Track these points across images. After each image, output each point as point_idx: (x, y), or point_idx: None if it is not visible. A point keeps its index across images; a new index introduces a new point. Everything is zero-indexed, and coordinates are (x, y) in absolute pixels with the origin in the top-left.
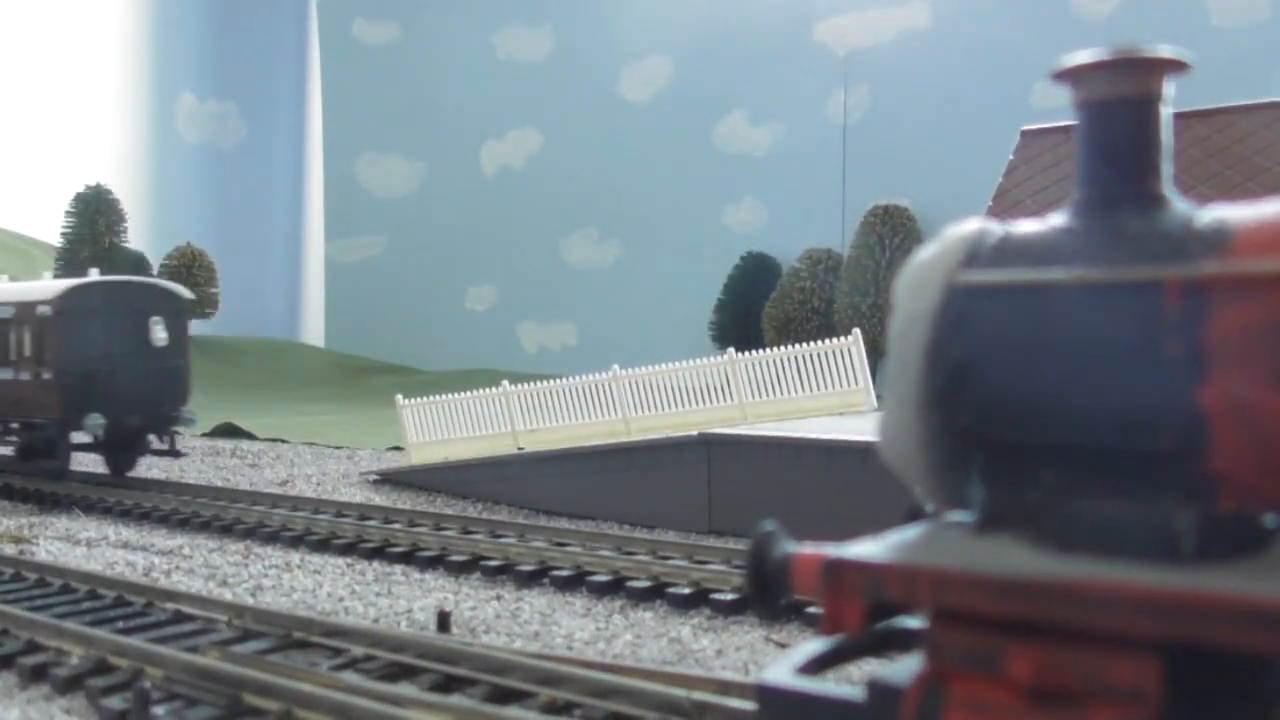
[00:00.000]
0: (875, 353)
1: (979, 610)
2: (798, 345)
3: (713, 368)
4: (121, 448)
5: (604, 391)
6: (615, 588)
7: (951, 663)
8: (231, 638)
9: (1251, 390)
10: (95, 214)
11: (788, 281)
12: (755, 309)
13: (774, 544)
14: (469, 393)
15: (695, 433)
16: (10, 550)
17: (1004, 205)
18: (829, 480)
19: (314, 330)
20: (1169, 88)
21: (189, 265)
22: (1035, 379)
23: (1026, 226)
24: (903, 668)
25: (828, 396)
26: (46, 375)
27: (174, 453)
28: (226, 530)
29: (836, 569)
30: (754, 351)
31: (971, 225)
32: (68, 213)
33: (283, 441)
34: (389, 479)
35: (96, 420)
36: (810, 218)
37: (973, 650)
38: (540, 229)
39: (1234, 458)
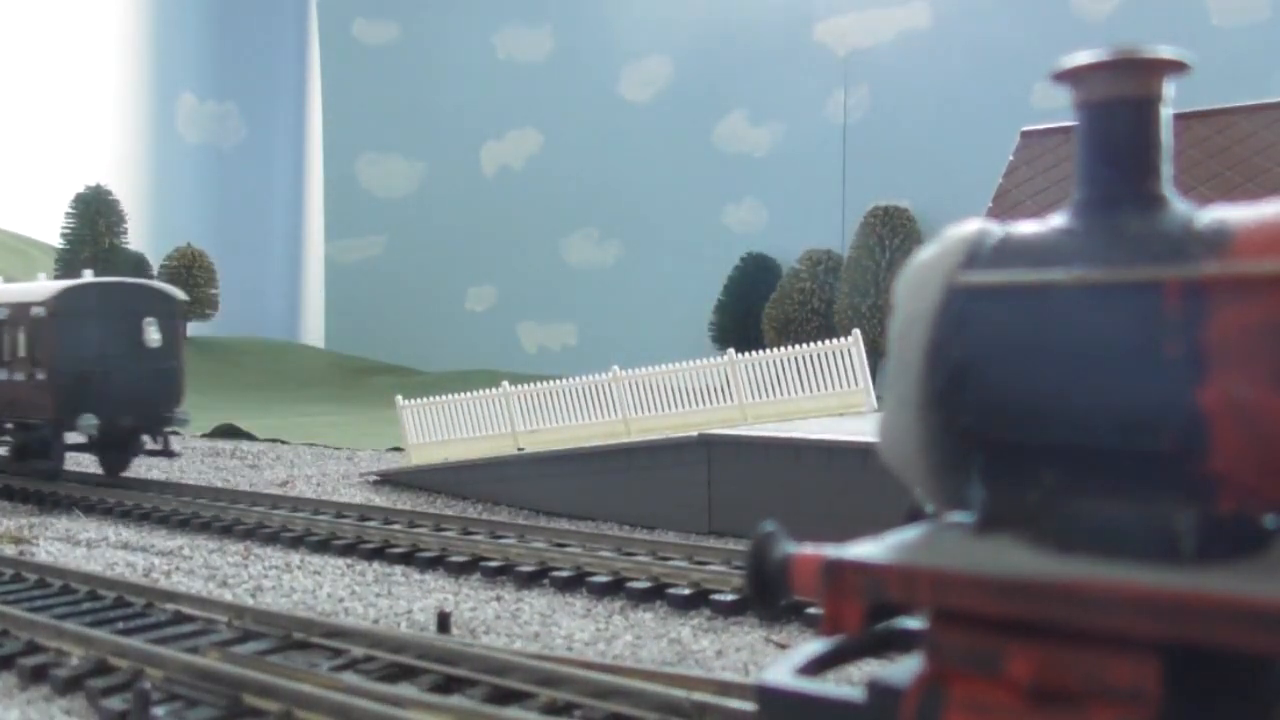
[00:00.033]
0: (875, 353)
1: (979, 611)
2: (798, 346)
3: (713, 368)
4: (115, 448)
5: (604, 392)
6: (615, 588)
7: (951, 663)
8: (231, 638)
9: (1251, 390)
10: (95, 214)
11: (788, 282)
12: (755, 310)
13: (774, 545)
14: (469, 393)
15: (695, 433)
16: (10, 551)
17: (1004, 206)
18: (829, 481)
19: (314, 331)
20: (1169, 88)
21: (189, 266)
22: (1035, 379)
23: (1026, 227)
24: (903, 668)
25: (828, 397)
26: (41, 376)
27: (168, 453)
28: (226, 531)
29: (836, 570)
30: (754, 352)
31: (971, 226)
32: (68, 213)
33: (283, 442)
34: (389, 480)
35: (90, 421)
36: (810, 218)
37: (973, 651)
38: (540, 229)
39: (1234, 458)
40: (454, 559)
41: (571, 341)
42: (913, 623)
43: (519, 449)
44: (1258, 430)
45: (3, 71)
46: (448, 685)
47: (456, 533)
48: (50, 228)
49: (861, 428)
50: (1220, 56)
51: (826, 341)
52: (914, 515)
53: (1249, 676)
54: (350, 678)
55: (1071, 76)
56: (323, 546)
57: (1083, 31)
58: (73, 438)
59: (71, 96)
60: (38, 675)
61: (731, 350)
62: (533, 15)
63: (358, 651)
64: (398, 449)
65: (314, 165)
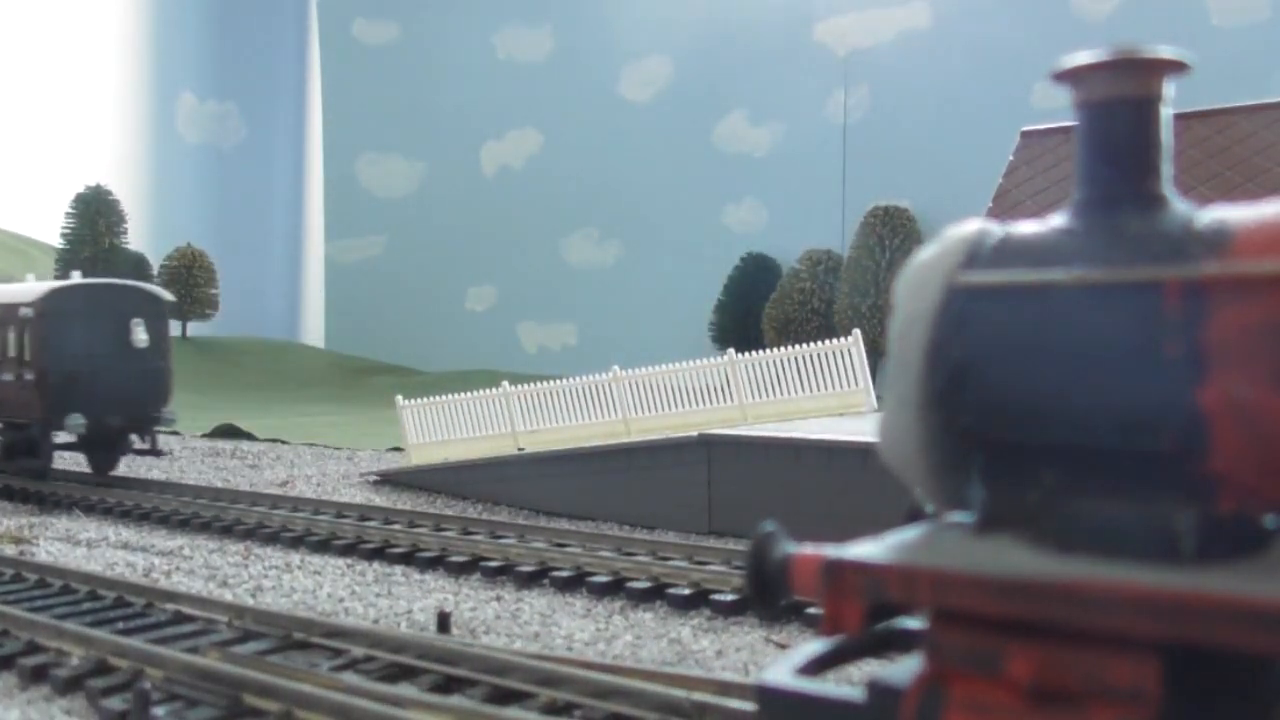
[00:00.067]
0: (875, 353)
1: (979, 611)
2: (798, 346)
3: (713, 368)
4: (104, 447)
5: (604, 392)
6: (615, 588)
7: (951, 663)
8: (232, 638)
9: (1251, 390)
10: (95, 214)
11: (788, 282)
12: (755, 310)
13: (774, 545)
14: (469, 393)
15: (695, 433)
16: (10, 551)
17: (1004, 206)
18: (829, 481)
19: (314, 331)
20: (1169, 88)
21: (189, 266)
22: (1035, 380)
23: (1026, 227)
24: (903, 668)
25: (828, 397)
26: (29, 376)
27: (155, 452)
28: (227, 531)
29: (836, 570)
30: (754, 352)
31: (971, 226)
32: (68, 213)
33: (283, 442)
34: (389, 480)
35: (78, 420)
36: (810, 218)
37: (973, 651)
38: (540, 229)
39: (1234, 458)
40: (454, 559)
41: (571, 341)
42: (913, 623)
43: (519, 449)
44: (1258, 430)
45: (3, 71)
46: (448, 685)
47: (456, 533)
48: (50, 228)
49: (861, 428)
50: (1220, 56)
51: (826, 341)
52: (914, 515)
53: (1249, 676)
54: (350, 678)
55: (1071, 76)
56: (323, 546)
57: (1083, 31)
58: (62, 437)
59: (71, 96)
60: (38, 675)
61: (731, 350)
62: (533, 15)
63: (358, 651)
64: (398, 449)
65: (314, 165)
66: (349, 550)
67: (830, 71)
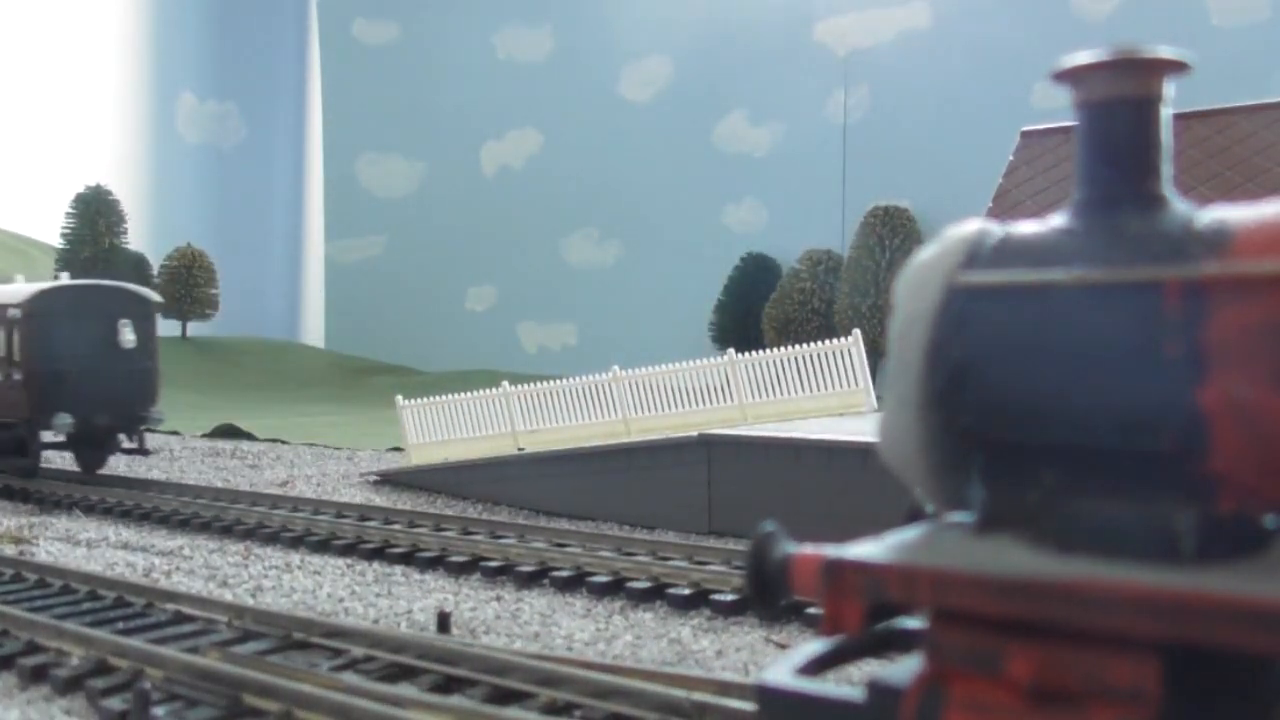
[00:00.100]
0: (875, 353)
1: (979, 610)
2: (798, 346)
3: (713, 368)
4: (91, 446)
5: (604, 392)
6: (615, 588)
7: (951, 663)
8: (231, 638)
9: (1251, 390)
10: (95, 214)
11: (788, 282)
12: (755, 310)
13: (774, 545)
14: (469, 393)
15: (695, 433)
16: (10, 551)
17: (1004, 206)
18: (829, 480)
19: (314, 331)
20: (1169, 88)
21: (189, 266)
22: (1035, 380)
23: (1026, 227)
24: (903, 668)
25: (828, 397)
26: (17, 376)
27: (143, 451)
28: (227, 531)
29: (836, 569)
30: (754, 352)
31: (971, 226)
32: (68, 213)
33: (283, 442)
34: (389, 480)
35: (65, 420)
36: (810, 218)
37: (973, 650)
38: (540, 229)
39: (1234, 458)
40: (454, 559)
41: (571, 341)
42: (913, 623)
43: (519, 449)
44: (1258, 430)
45: (3, 71)
46: (448, 685)
47: (456, 533)
48: (50, 228)
49: (861, 428)
50: (1220, 56)
51: (826, 341)
52: (914, 515)
53: (1249, 676)
54: (350, 678)
55: (1071, 76)
56: (323, 546)
57: (1083, 31)
58: (49, 436)
59: (71, 96)
60: (38, 675)
61: (731, 350)
62: (533, 15)
63: (358, 651)
64: (398, 449)
65: (314, 165)
66: (349, 550)
67: (830, 71)
